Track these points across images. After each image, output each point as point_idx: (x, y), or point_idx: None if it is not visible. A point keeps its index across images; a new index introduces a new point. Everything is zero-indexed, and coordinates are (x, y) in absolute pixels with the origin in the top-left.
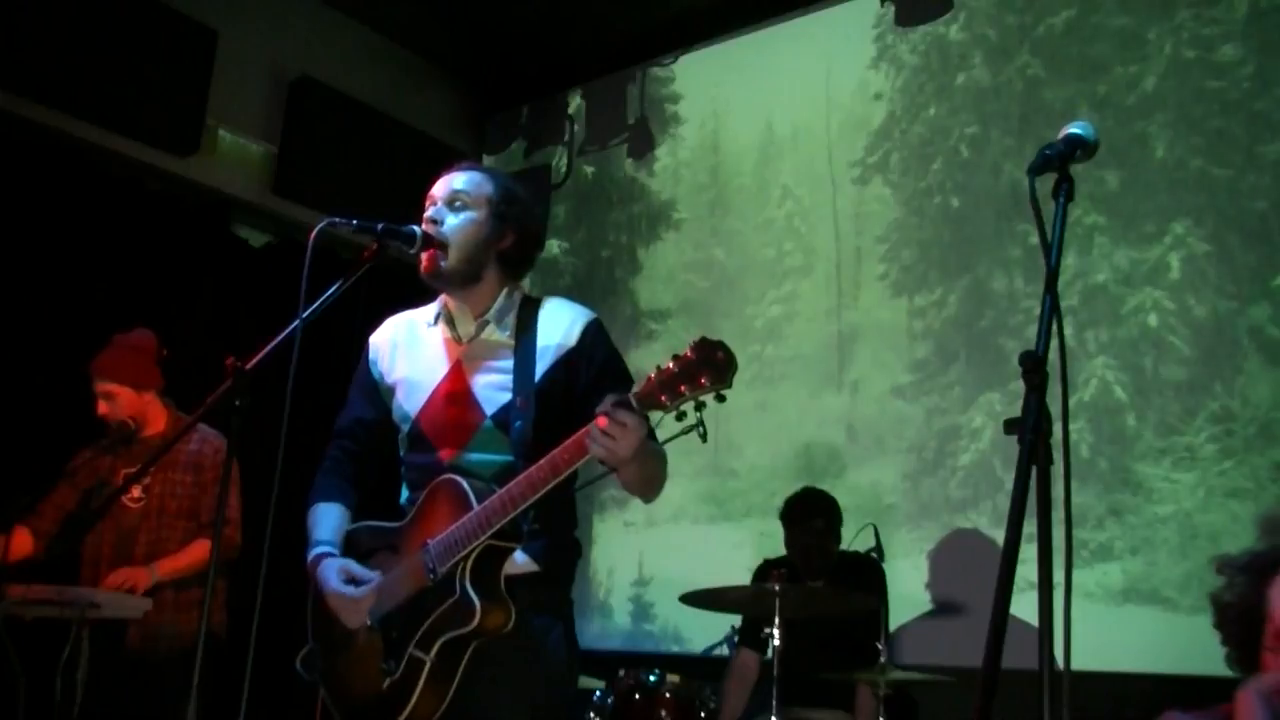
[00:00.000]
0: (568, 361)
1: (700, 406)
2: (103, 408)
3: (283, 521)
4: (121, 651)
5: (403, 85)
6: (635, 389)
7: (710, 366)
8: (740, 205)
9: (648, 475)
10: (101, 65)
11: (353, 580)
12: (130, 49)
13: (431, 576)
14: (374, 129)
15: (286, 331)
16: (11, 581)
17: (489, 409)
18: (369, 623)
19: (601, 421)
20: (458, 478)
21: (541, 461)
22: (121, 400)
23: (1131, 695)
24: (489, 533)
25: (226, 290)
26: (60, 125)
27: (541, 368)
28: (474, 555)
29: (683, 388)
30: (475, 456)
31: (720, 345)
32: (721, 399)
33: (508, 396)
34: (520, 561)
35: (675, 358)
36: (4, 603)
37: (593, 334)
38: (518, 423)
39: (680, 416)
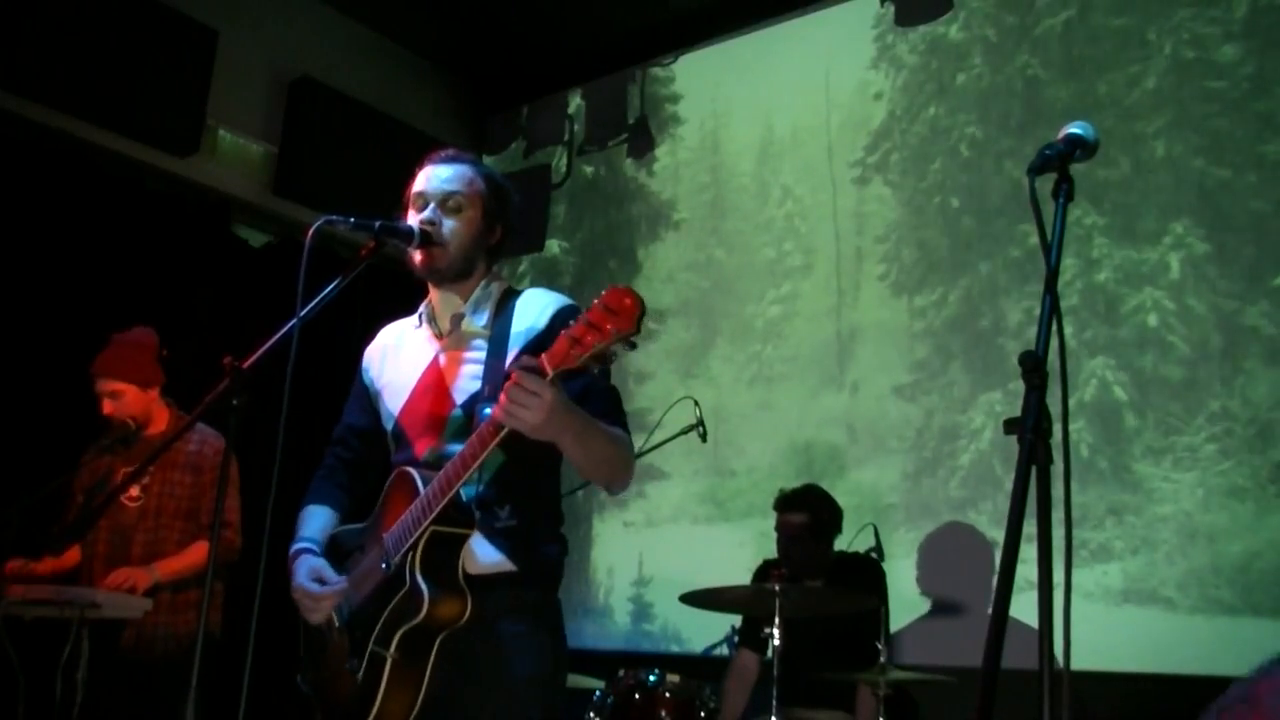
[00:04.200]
0: (537, 345)
1: (610, 358)
2: (108, 407)
3: (281, 523)
4: (117, 653)
5: (403, 85)
6: (546, 350)
7: (615, 313)
8: (740, 205)
9: (597, 456)
10: (101, 65)
11: (320, 580)
12: (130, 49)
13: (385, 568)
14: (374, 129)
15: (284, 330)
16: (11, 582)
17: (460, 399)
18: (337, 623)
19: (506, 389)
20: (409, 469)
21: (471, 438)
22: (128, 398)
23: (1131, 695)
24: (431, 517)
25: (226, 290)
26: (60, 125)
27: (512, 354)
28: (423, 543)
29: (590, 339)
30: (449, 448)
31: (628, 292)
32: (632, 346)
33: (479, 385)
34: (494, 560)
35: (585, 311)
36: (4, 602)
37: (563, 318)
38: (485, 410)
39: (605, 374)
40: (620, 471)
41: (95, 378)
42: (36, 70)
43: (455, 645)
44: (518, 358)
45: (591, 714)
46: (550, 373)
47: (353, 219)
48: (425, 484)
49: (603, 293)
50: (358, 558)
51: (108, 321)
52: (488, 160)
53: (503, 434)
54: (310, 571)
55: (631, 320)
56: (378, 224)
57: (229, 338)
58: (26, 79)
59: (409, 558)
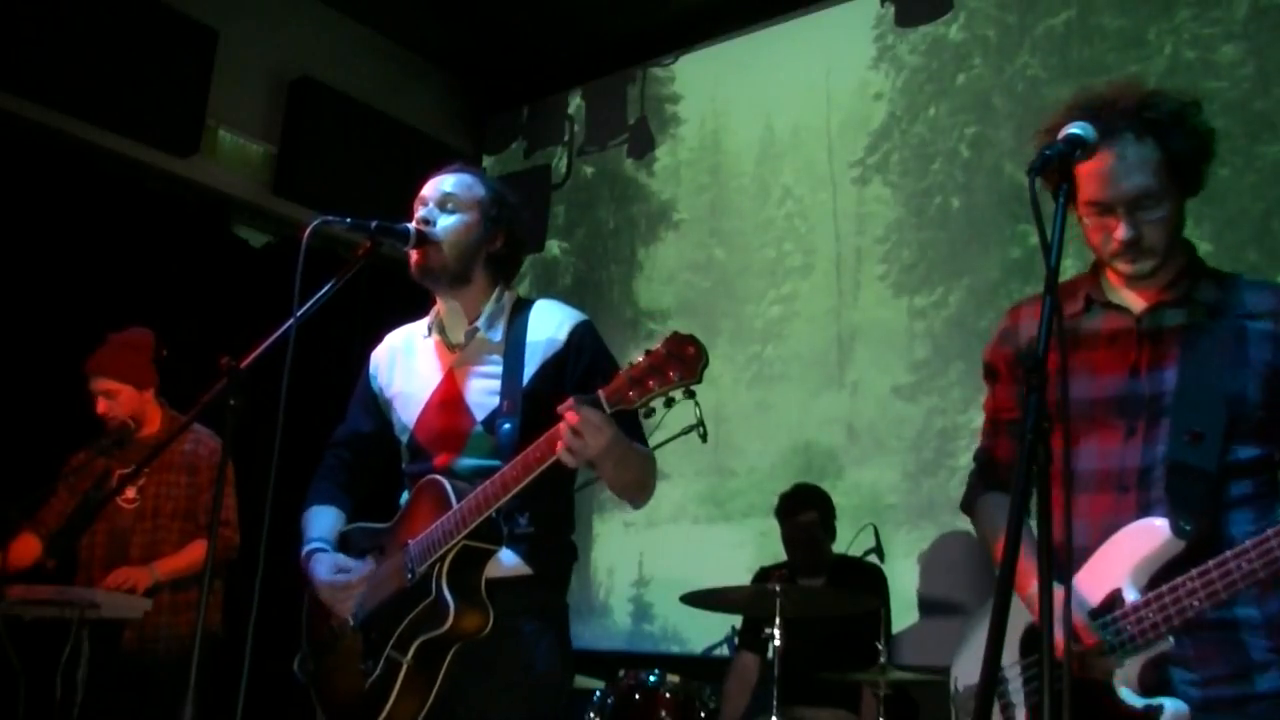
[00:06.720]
0: (556, 362)
1: (670, 403)
2: (102, 406)
3: (279, 522)
4: (118, 653)
5: (403, 85)
6: (604, 386)
7: (679, 360)
8: (740, 205)
9: (630, 478)
10: (101, 65)
11: (342, 570)
12: (130, 49)
13: (409, 577)
14: (374, 129)
15: (281, 330)
16: (11, 582)
17: (480, 414)
18: (351, 623)
19: (569, 419)
20: (441, 479)
21: (515, 460)
22: (122, 398)
23: None
24: (464, 532)
25: (226, 290)
26: (60, 125)
27: (530, 370)
28: (451, 556)
29: (651, 383)
30: (468, 462)
31: (691, 340)
32: (691, 394)
33: (498, 400)
34: (512, 564)
35: (647, 353)
36: (4, 603)
37: (580, 334)
38: (505, 426)
39: (649, 413)
40: (647, 490)
41: (89, 376)
42: (36, 70)
43: (470, 646)
44: (537, 373)
45: (591, 714)
46: (608, 411)
47: (349, 219)
48: (458, 495)
49: (665, 337)
50: (375, 558)
51: (107, 322)
52: (487, 160)
53: (549, 463)
54: (331, 566)
55: (695, 370)
56: (374, 224)
57: (229, 338)
58: (26, 79)
59: (436, 569)
